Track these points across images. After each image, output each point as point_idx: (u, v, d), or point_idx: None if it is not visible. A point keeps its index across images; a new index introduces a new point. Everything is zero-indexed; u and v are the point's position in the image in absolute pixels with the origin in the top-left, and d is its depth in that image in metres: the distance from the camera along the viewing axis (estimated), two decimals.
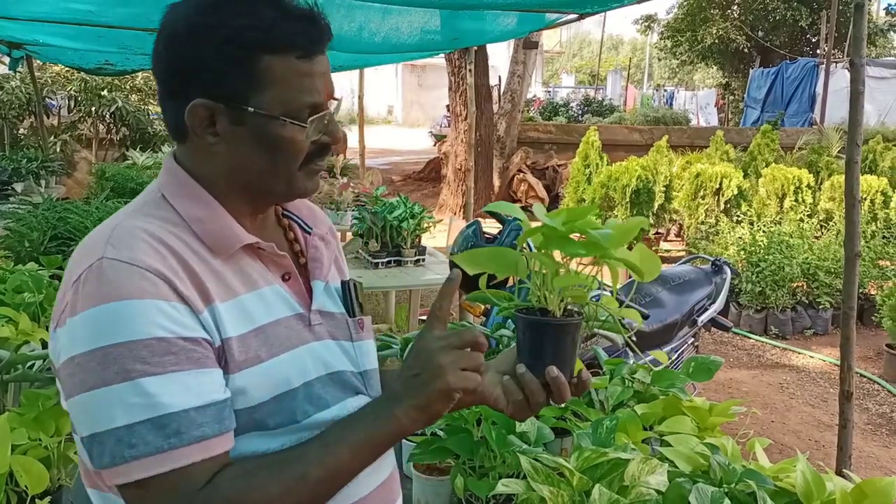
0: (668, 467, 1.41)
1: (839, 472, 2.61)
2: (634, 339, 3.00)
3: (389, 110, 32.73)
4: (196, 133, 0.93)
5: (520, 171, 11.08)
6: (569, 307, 0.97)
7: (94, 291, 0.82)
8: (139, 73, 11.09)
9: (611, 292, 1.02)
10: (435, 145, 13.36)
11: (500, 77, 15.00)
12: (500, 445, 1.44)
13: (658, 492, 1.28)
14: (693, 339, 3.60)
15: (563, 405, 1.02)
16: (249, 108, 0.91)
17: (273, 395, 0.91)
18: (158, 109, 11.62)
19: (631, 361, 3.06)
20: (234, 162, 0.94)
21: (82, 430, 0.82)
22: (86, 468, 0.89)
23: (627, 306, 3.22)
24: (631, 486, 1.25)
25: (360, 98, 7.40)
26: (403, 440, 1.72)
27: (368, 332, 1.09)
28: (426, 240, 4.24)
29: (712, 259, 3.82)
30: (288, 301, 0.98)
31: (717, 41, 18.78)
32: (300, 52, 0.91)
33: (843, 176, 6.99)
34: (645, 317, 2.97)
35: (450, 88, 9.85)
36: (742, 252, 6.00)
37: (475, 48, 5.05)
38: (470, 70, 5.01)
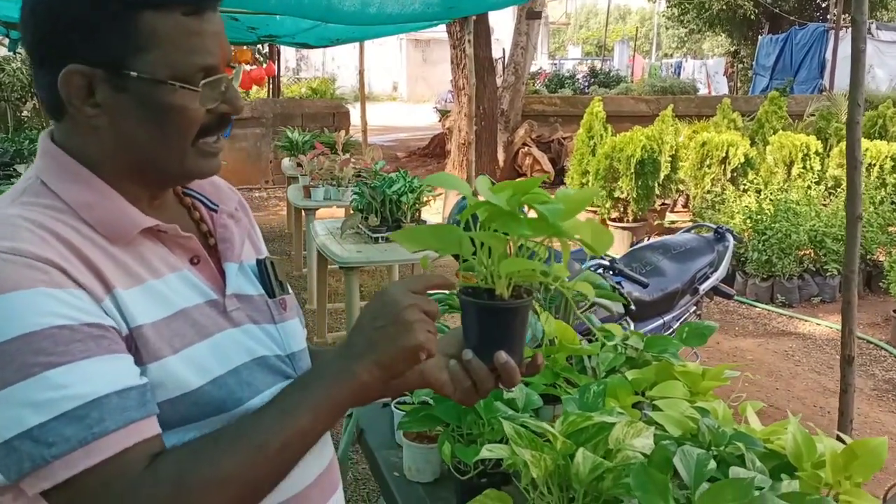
0: (658, 431, 1.40)
1: (839, 437, 2.60)
2: (633, 308, 3.00)
3: (394, 86, 32.53)
4: (73, 105, 0.82)
5: (525, 144, 10.99)
6: (517, 287, 0.92)
7: None
8: None
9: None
10: (440, 121, 13.27)
11: (503, 50, 14.84)
12: (487, 412, 1.43)
13: (645, 455, 1.27)
14: (695, 308, 3.58)
15: (512, 389, 0.98)
16: (132, 73, 0.81)
17: (196, 385, 0.83)
18: None
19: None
20: (120, 136, 0.84)
21: None
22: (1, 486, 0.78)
23: (627, 276, 3.15)
24: (615, 449, 1.24)
25: (361, 73, 7.34)
26: (393, 408, 1.72)
27: (292, 312, 1.02)
28: (426, 213, 4.22)
29: (715, 227, 3.79)
30: (198, 287, 0.90)
31: (724, 8, 18.49)
32: (186, 8, 0.81)
33: None
34: (644, 285, 2.95)
35: (452, 62, 9.75)
36: (748, 220, 5.95)
37: (474, 18, 4.98)
38: (469, 41, 4.95)
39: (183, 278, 0.89)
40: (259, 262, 1.02)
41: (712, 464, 1.18)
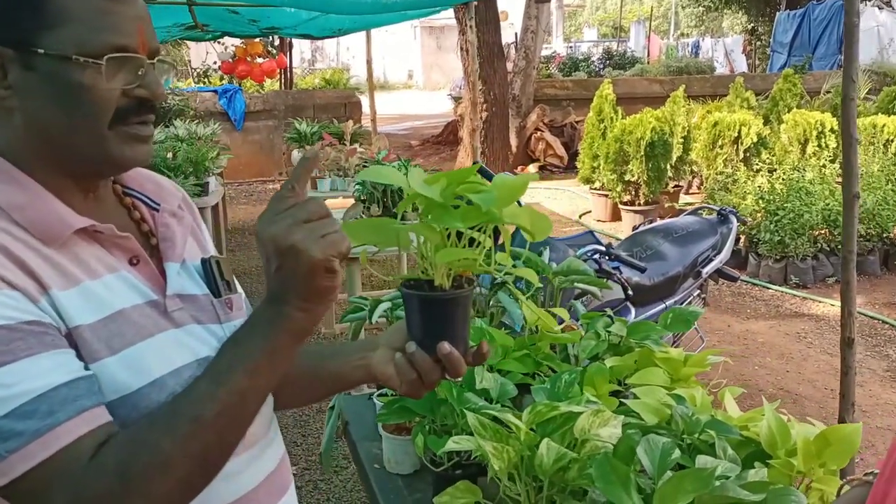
0: (633, 420, 1.38)
1: (841, 420, 2.56)
2: (632, 293, 2.96)
3: (409, 75, 32.44)
4: None
5: (537, 129, 10.92)
6: (458, 277, 0.91)
7: None
8: None
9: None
10: (454, 108, 13.22)
11: (516, 35, 14.72)
12: (459, 403, 1.42)
13: (613, 445, 1.25)
14: (699, 292, 3.53)
15: (459, 379, 0.96)
16: (40, 50, 0.80)
17: (135, 387, 0.82)
18: (171, 84, 11.67)
19: (631, 317, 3.03)
20: (31, 118, 0.83)
21: None
22: None
23: (625, 261, 3.12)
24: (581, 439, 1.23)
25: (368, 62, 7.32)
26: (375, 400, 1.72)
27: (240, 312, 1.00)
28: None
29: (718, 208, 3.73)
30: (137, 287, 0.89)
31: None
32: None
33: (868, 118, 6.76)
34: (641, 270, 2.91)
35: (461, 48, 9.68)
36: (760, 201, 5.86)
37: (475, 3, 4.94)
38: (471, 27, 4.91)
39: (121, 279, 0.88)
40: (204, 262, 1.00)
41: (677, 453, 1.17)
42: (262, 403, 0.82)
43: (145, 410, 0.82)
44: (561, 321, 1.78)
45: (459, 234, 0.92)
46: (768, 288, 5.58)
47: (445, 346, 0.88)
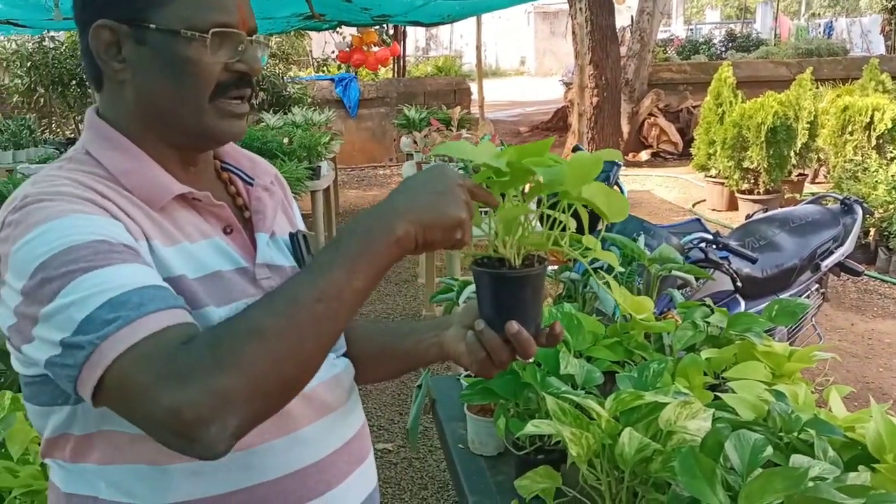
0: (727, 414, 1.32)
1: None
2: (741, 285, 2.82)
3: (522, 61, 32.15)
4: (102, 61, 0.89)
5: (651, 114, 10.56)
6: (530, 256, 0.89)
7: (23, 224, 0.78)
8: (273, 38, 11.60)
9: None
10: (565, 93, 13.00)
11: (632, 18, 14.28)
12: (542, 387, 1.40)
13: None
14: (818, 286, 3.31)
15: (530, 360, 0.94)
16: (151, 25, 0.86)
17: None
18: (292, 73, 12.12)
19: (740, 310, 2.89)
20: (140, 89, 0.90)
21: (50, 351, 0.75)
22: (45, 431, 0.87)
23: (735, 252, 2.98)
24: (667, 431, 1.18)
25: (478, 48, 7.31)
26: (461, 380, 1.72)
27: None
28: None
29: (842, 197, 3.47)
30: (229, 255, 0.93)
31: None
32: None
33: None
34: (752, 260, 2.77)
35: (572, 32, 9.49)
36: (894, 191, 5.42)
37: None
38: (580, 8, 4.80)
39: (214, 245, 0.93)
40: (292, 236, 1.04)
41: (769, 450, 1.10)
42: (357, 307, 0.80)
43: None
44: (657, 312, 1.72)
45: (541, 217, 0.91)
46: None
47: (514, 326, 0.87)
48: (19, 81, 9.58)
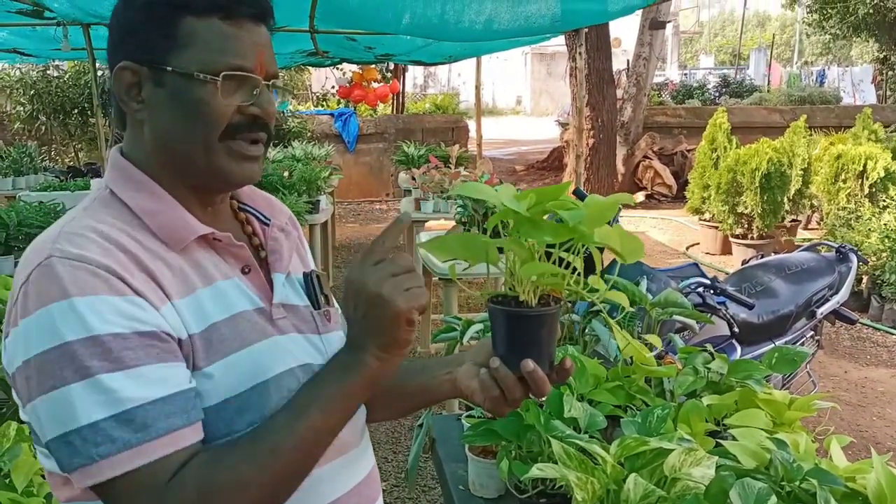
0: (729, 462, 1.33)
1: None
2: (738, 331, 2.84)
3: (518, 100, 32.57)
4: (123, 101, 0.92)
5: (646, 157, 10.69)
6: (545, 295, 0.90)
7: (45, 291, 0.80)
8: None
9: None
10: (561, 134, 13.17)
11: (628, 62, 14.53)
12: (546, 430, 1.41)
13: (706, 486, 1.21)
14: (812, 333, 3.33)
15: (542, 398, 0.96)
16: (168, 68, 0.89)
17: (239, 391, 0.87)
18: (292, 107, 12.22)
19: (737, 356, 2.90)
20: (156, 130, 0.92)
21: (46, 434, 0.79)
22: (55, 479, 0.87)
23: (733, 297, 2.99)
24: (671, 477, 1.19)
25: (477, 87, 7.43)
26: (463, 420, 1.73)
27: (337, 325, 1.05)
28: None
29: (837, 245, 3.52)
30: (247, 295, 0.94)
31: (871, 11, 17.15)
32: (223, 13, 0.89)
33: None
34: (749, 306, 2.79)
35: (570, 74, 9.66)
36: (886, 240, 5.48)
37: (586, 30, 4.93)
38: (580, 53, 4.89)
39: (234, 286, 0.94)
40: (306, 275, 1.06)
41: (773, 499, 1.11)
42: (332, 441, 0.87)
43: (250, 416, 0.87)
44: (656, 350, 1.73)
45: (549, 255, 0.93)
46: (892, 333, 5.20)
47: (529, 364, 0.88)
48: (21, 109, 9.64)
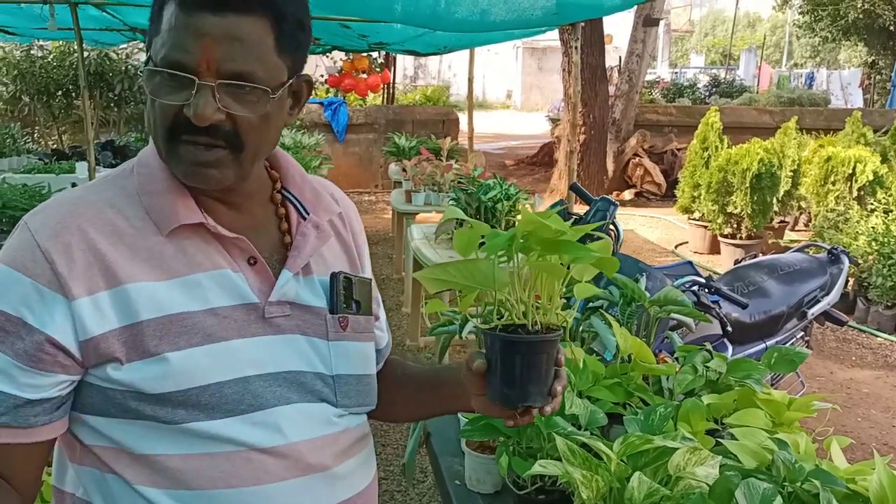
0: (730, 461, 1.32)
1: None
2: (731, 330, 2.84)
3: (508, 94, 32.53)
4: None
5: (636, 155, 10.70)
6: (542, 322, 0.89)
7: (4, 247, 0.87)
8: None
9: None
10: (551, 129, 13.16)
11: (620, 58, 14.54)
12: (546, 426, 1.39)
13: (709, 485, 1.20)
14: (803, 333, 3.35)
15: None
16: (149, 54, 0.88)
17: (195, 385, 0.86)
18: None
19: (728, 355, 2.90)
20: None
21: None
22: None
23: (725, 296, 2.98)
24: (675, 476, 1.17)
25: (470, 80, 7.38)
26: (459, 415, 1.71)
27: (354, 334, 1.00)
28: None
29: (828, 247, 3.53)
30: (238, 288, 0.91)
31: (861, 16, 17.27)
32: (179, 1, 0.83)
33: None
34: (743, 306, 2.79)
35: (563, 69, 9.64)
36: (873, 243, 5.52)
37: (583, 24, 4.90)
38: (576, 48, 4.87)
39: (221, 277, 0.91)
40: (332, 277, 1.00)
41: (778, 500, 1.10)
42: None
43: (198, 411, 0.86)
44: (674, 351, 1.72)
45: None
46: (876, 335, 5.24)
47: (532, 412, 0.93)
48: (4, 89, 9.48)
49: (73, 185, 5.43)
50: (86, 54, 5.39)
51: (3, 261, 0.85)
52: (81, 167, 5.95)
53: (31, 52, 9.45)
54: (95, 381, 0.87)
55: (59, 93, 9.55)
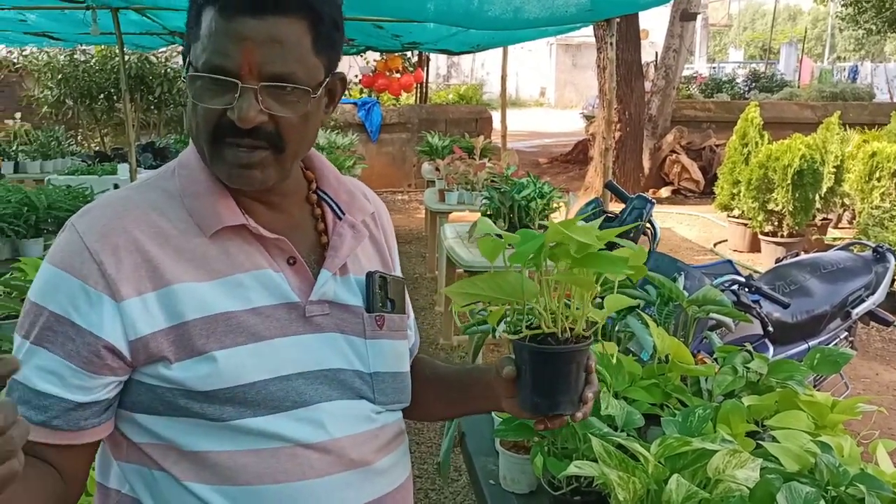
0: (771, 464, 1.29)
1: None
2: (772, 330, 2.78)
3: (542, 92, 32.34)
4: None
5: (673, 151, 10.55)
6: (573, 330, 0.89)
7: (52, 248, 0.89)
8: None
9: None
10: (585, 126, 13.05)
11: (656, 54, 14.35)
12: (582, 427, 1.38)
13: (749, 488, 1.17)
14: (846, 334, 3.26)
15: None
16: (189, 58, 0.89)
17: (241, 382, 0.87)
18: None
19: (769, 355, 2.84)
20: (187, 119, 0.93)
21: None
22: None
23: (766, 295, 2.92)
24: (715, 479, 1.15)
25: (503, 78, 7.36)
26: (493, 415, 1.70)
27: (389, 332, 1.01)
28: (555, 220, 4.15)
29: (874, 245, 3.43)
30: (279, 288, 0.93)
31: None
32: (218, 5, 0.84)
33: None
34: (785, 305, 2.73)
35: (597, 66, 9.55)
36: None
37: (618, 20, 4.85)
38: (611, 44, 4.82)
39: (264, 277, 0.92)
40: (368, 276, 1.02)
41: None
42: None
43: (245, 408, 0.88)
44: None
45: None
46: None
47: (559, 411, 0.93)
48: (49, 93, 9.73)
49: (116, 186, 5.55)
50: (126, 58, 5.50)
51: (51, 261, 0.87)
52: (123, 168, 6.08)
53: (75, 56, 9.69)
54: (145, 380, 0.88)
55: (102, 96, 9.77)
